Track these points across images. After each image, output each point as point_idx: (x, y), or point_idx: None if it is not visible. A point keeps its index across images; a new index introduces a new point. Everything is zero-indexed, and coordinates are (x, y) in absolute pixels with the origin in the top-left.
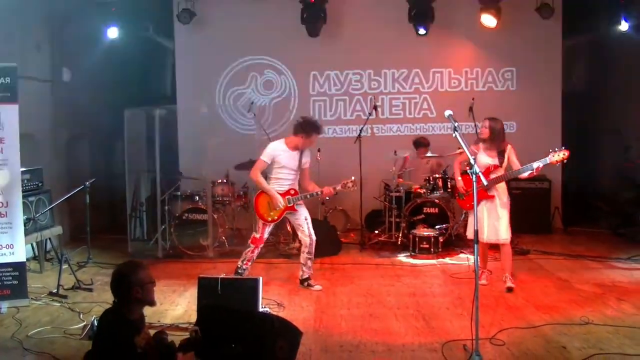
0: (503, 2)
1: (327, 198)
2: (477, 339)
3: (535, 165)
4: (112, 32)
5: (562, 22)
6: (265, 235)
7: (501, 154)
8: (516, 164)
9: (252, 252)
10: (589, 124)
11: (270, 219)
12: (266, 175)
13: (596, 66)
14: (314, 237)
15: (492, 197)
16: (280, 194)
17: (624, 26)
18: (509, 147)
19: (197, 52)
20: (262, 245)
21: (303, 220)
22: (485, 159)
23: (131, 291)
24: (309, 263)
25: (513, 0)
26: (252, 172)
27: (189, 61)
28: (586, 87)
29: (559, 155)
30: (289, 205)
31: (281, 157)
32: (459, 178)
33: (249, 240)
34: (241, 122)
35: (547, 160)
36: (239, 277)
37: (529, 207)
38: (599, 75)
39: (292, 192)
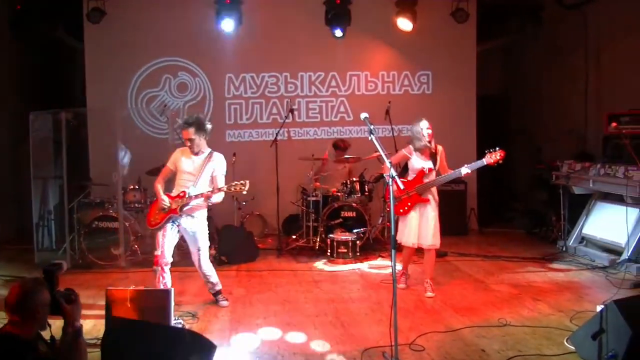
0: (419, 6)
1: (244, 203)
2: (396, 346)
3: (463, 171)
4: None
5: (476, 26)
6: (165, 249)
7: (433, 156)
8: (445, 167)
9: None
10: (503, 126)
11: (153, 221)
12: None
13: (509, 69)
14: (195, 259)
15: (427, 200)
16: (170, 197)
17: (534, 31)
18: (440, 148)
19: (108, 52)
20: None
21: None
22: (420, 162)
23: (37, 311)
24: (205, 280)
25: (428, 4)
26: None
27: (100, 62)
28: (499, 90)
29: (495, 156)
30: (172, 208)
31: (180, 162)
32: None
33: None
34: (154, 126)
35: (484, 161)
36: (149, 288)
37: (445, 208)
38: (511, 78)
39: (181, 194)
